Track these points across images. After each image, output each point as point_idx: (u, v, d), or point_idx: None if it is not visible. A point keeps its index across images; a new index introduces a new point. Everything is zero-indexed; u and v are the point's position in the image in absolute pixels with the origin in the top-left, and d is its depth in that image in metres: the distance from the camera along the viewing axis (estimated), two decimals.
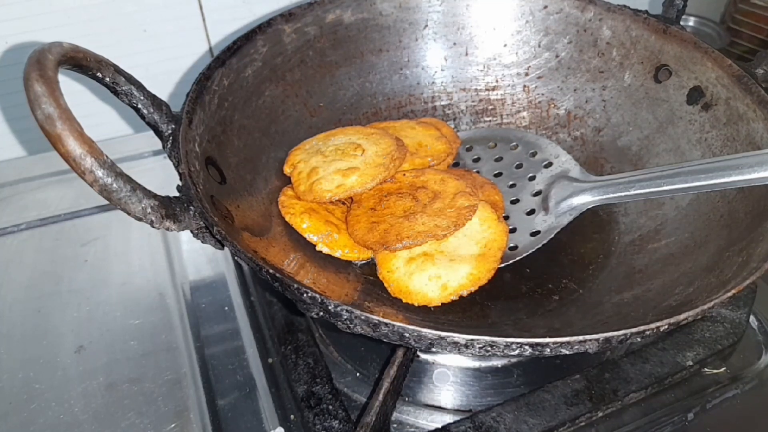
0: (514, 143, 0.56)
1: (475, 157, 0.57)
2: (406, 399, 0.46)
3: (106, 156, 0.32)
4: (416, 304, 0.43)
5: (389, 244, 0.45)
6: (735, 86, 0.47)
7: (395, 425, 0.45)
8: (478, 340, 0.31)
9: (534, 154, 0.54)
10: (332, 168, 0.50)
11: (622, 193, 0.46)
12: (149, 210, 0.34)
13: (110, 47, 0.43)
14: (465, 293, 0.43)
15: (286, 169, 0.51)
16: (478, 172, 0.55)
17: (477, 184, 0.52)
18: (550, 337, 0.32)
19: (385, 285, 0.45)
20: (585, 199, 0.48)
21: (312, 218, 0.47)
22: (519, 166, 0.54)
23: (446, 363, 0.48)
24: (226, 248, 0.37)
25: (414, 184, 0.50)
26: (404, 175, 0.51)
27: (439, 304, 0.43)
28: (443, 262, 0.45)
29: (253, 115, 0.50)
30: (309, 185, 0.49)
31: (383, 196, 0.49)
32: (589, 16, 0.55)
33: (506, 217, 0.51)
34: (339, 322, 0.33)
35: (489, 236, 0.47)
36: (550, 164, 0.53)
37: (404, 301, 0.43)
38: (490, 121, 0.60)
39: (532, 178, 0.52)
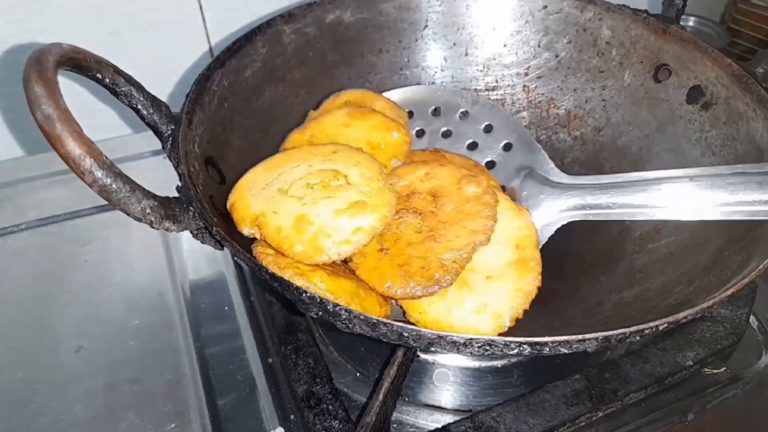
0: (463, 109, 0.50)
1: (418, 128, 0.50)
2: (406, 399, 0.46)
3: (106, 156, 0.32)
4: None
5: (440, 281, 0.37)
6: (735, 85, 0.47)
7: (395, 425, 0.45)
8: (477, 339, 0.31)
9: (489, 129, 0.49)
10: (327, 211, 0.39)
11: (612, 199, 0.43)
12: (149, 210, 0.34)
13: (110, 48, 0.43)
14: (521, 315, 0.38)
15: (244, 228, 0.40)
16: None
17: (462, 164, 0.46)
18: (549, 336, 0.31)
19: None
20: (562, 213, 0.44)
21: (324, 279, 0.37)
22: (473, 146, 0.48)
23: (446, 363, 0.48)
24: (225, 248, 0.37)
25: (400, 196, 0.42)
26: None
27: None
28: (480, 284, 0.38)
29: (252, 116, 0.50)
30: (308, 243, 0.38)
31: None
32: (589, 15, 0.55)
33: None
34: (338, 322, 0.33)
35: (517, 232, 0.40)
36: (509, 146, 0.48)
37: None
38: None
39: (491, 165, 0.48)
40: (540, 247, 0.44)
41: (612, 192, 0.44)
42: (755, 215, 0.39)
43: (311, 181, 0.41)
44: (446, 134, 0.51)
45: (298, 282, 0.35)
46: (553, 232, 0.46)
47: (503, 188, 0.49)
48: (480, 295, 0.38)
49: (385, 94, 0.54)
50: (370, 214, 0.39)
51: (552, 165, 0.49)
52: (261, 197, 0.40)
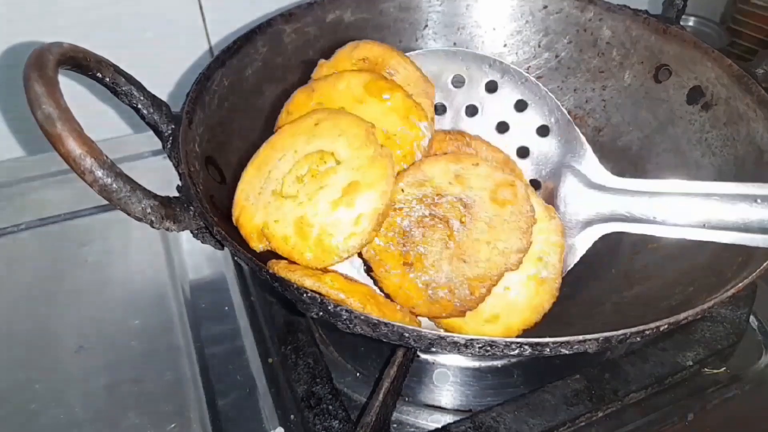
0: (489, 79, 0.43)
1: (437, 102, 0.44)
2: (406, 399, 0.46)
3: (106, 156, 0.32)
4: None
5: (466, 308, 0.36)
6: (735, 86, 0.47)
7: (395, 425, 0.45)
8: (477, 340, 0.31)
9: (522, 107, 0.43)
10: (323, 205, 0.37)
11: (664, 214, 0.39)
12: (149, 210, 0.34)
13: (110, 47, 0.43)
14: (532, 327, 0.38)
15: (255, 245, 0.38)
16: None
17: (493, 156, 0.42)
18: (550, 336, 0.31)
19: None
20: (602, 225, 0.41)
21: (335, 279, 0.35)
22: (502, 128, 0.43)
23: (446, 363, 0.48)
24: (226, 248, 0.37)
25: (425, 199, 0.38)
26: (403, 191, 0.39)
27: None
28: (497, 294, 0.37)
29: (253, 115, 0.50)
30: (316, 247, 0.36)
31: (403, 237, 0.37)
32: (589, 16, 0.55)
33: None
34: (339, 322, 0.33)
35: (543, 241, 0.38)
36: (545, 131, 0.43)
37: None
38: None
39: (524, 153, 0.43)
40: (572, 266, 0.42)
41: (660, 202, 0.40)
42: None
43: (299, 172, 0.38)
44: (471, 111, 0.46)
45: (308, 282, 0.34)
46: (590, 245, 0.43)
47: (537, 183, 0.45)
48: (495, 305, 0.38)
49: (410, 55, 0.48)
50: (367, 193, 0.36)
51: (595, 160, 0.44)
52: (260, 205, 0.39)
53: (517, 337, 0.38)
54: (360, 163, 0.37)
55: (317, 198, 0.37)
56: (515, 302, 0.38)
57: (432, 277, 0.37)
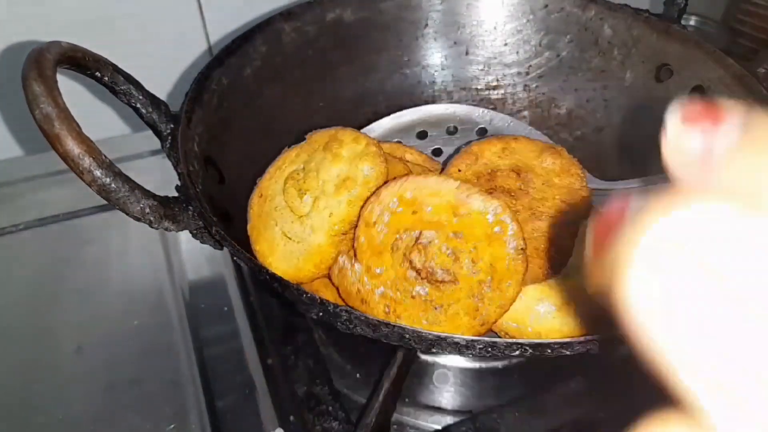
0: (480, 126, 0.51)
1: (435, 147, 0.52)
2: (407, 400, 0.46)
3: (105, 156, 0.32)
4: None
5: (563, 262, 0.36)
6: (737, 86, 0.46)
7: (395, 426, 0.45)
8: (478, 341, 0.31)
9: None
10: (324, 207, 0.39)
11: None
12: (148, 210, 0.34)
13: (109, 46, 0.42)
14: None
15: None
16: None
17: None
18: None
19: (497, 330, 0.38)
20: None
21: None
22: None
23: (447, 364, 0.48)
24: (225, 248, 0.37)
25: (482, 175, 0.41)
26: (459, 171, 0.41)
27: None
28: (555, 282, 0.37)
29: (252, 115, 0.50)
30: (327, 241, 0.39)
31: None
32: (590, 14, 0.55)
33: None
34: (338, 323, 0.33)
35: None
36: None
37: None
38: None
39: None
40: None
41: None
42: None
43: (290, 194, 0.41)
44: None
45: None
46: None
47: None
48: (560, 293, 0.36)
49: (395, 115, 0.54)
50: (364, 168, 0.39)
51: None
52: (279, 255, 0.40)
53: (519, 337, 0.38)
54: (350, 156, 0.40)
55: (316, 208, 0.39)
56: (581, 287, 0.36)
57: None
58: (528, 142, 0.44)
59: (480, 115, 0.53)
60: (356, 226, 0.38)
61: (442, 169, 0.48)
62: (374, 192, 0.37)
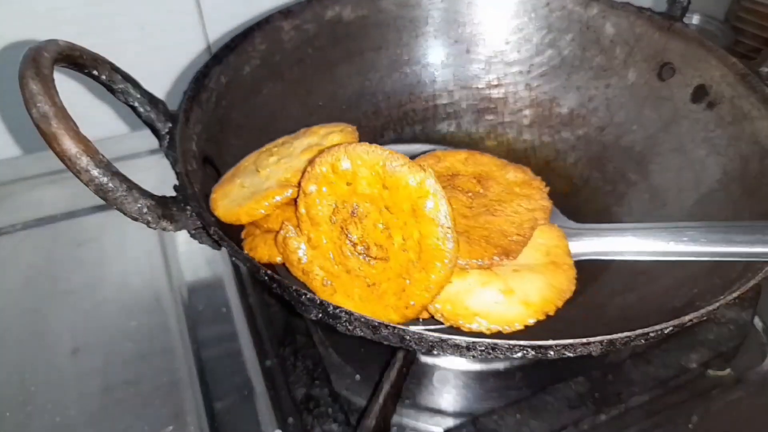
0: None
1: None
2: (407, 402, 0.46)
3: (102, 155, 0.32)
4: (487, 333, 0.34)
5: (509, 250, 0.35)
6: (739, 84, 0.46)
7: (395, 428, 0.44)
8: (479, 342, 0.31)
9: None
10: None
11: (614, 248, 0.41)
12: (145, 210, 0.34)
13: (107, 45, 0.42)
14: (552, 311, 0.35)
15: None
16: None
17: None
18: (553, 339, 0.31)
19: (432, 312, 0.35)
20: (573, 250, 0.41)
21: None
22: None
23: (447, 366, 0.48)
24: (223, 249, 0.37)
25: (443, 176, 0.41)
26: None
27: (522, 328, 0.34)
28: (507, 273, 0.36)
29: (251, 114, 0.49)
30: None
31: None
32: (592, 13, 0.55)
33: None
34: (338, 324, 0.33)
35: (548, 242, 0.38)
36: None
37: (465, 329, 0.35)
38: (492, 119, 0.60)
39: None
40: None
41: (615, 236, 0.42)
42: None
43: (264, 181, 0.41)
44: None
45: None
46: None
47: None
48: (508, 281, 0.35)
49: (393, 146, 0.53)
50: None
51: (558, 212, 0.46)
52: (228, 200, 0.40)
53: (515, 336, 0.37)
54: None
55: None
56: (530, 279, 0.36)
57: (464, 228, 0.37)
58: (494, 158, 0.44)
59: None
60: (297, 196, 0.37)
61: None
62: (309, 162, 0.37)
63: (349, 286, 0.36)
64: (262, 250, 0.39)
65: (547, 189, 0.43)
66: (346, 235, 0.35)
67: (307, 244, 0.36)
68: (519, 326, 0.34)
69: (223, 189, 0.41)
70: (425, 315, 0.36)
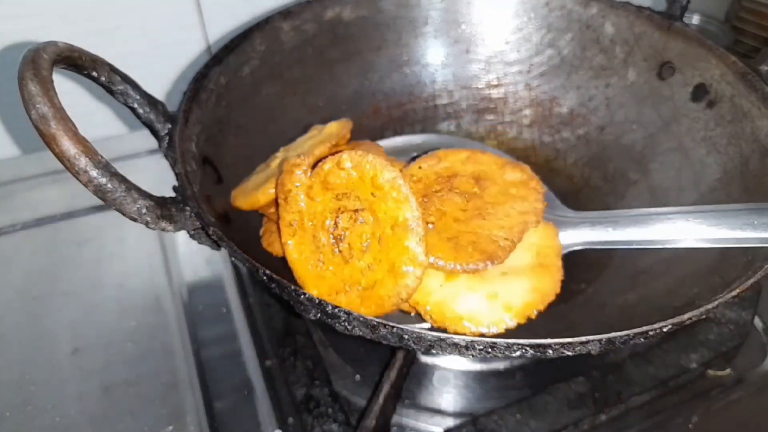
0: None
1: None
2: (407, 402, 0.46)
3: (101, 156, 0.32)
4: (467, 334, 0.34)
5: (494, 257, 0.36)
6: (739, 83, 0.46)
7: (395, 428, 0.44)
8: (478, 341, 0.31)
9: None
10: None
11: (616, 237, 0.41)
12: (144, 210, 0.34)
13: (106, 46, 0.42)
14: (534, 315, 0.36)
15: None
16: None
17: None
18: (552, 338, 0.31)
19: (420, 312, 0.37)
20: (569, 240, 0.42)
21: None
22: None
23: (447, 366, 0.48)
24: (223, 249, 0.37)
25: (440, 177, 0.42)
26: (420, 168, 0.42)
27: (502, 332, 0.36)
28: (494, 276, 0.37)
29: (250, 114, 0.49)
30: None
31: (422, 204, 0.39)
32: (592, 12, 0.55)
33: None
34: (337, 324, 0.32)
35: (539, 241, 0.39)
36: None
37: (451, 331, 0.35)
38: (492, 119, 0.60)
39: None
40: None
41: (612, 227, 0.43)
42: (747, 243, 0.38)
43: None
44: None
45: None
46: None
47: None
48: (493, 285, 0.36)
49: (387, 140, 0.54)
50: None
51: (557, 201, 0.47)
52: (241, 189, 0.44)
53: (515, 334, 0.37)
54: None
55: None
56: (515, 283, 0.37)
57: (454, 232, 0.37)
58: (494, 156, 0.44)
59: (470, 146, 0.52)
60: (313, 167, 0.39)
61: None
62: (314, 165, 0.38)
63: (333, 282, 0.37)
64: (279, 246, 0.40)
65: (545, 189, 0.44)
66: (331, 234, 0.36)
67: (305, 191, 0.37)
68: (497, 330, 0.36)
69: (240, 188, 0.45)
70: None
